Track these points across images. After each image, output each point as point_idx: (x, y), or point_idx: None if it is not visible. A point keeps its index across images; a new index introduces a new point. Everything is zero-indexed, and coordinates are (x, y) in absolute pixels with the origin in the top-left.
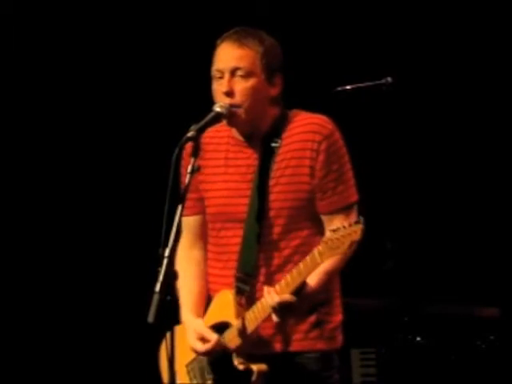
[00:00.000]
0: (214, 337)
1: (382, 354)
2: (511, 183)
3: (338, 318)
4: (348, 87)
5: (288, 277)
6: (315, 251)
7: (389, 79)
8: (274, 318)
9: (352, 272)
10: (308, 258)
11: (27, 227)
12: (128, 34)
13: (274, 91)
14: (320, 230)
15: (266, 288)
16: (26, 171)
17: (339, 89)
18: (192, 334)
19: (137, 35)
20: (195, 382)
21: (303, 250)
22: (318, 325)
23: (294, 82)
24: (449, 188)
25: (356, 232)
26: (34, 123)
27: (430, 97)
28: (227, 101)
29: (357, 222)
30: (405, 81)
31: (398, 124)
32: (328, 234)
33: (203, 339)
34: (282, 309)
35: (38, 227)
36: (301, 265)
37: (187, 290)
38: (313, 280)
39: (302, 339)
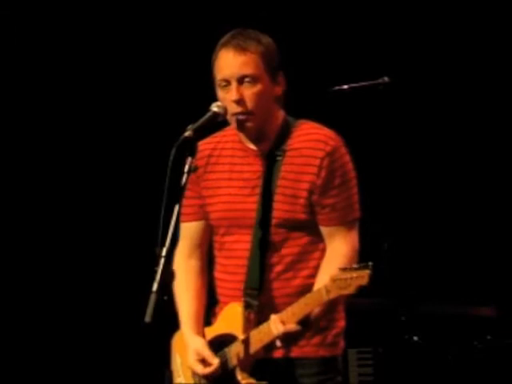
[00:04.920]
0: (215, 361)
1: (379, 354)
2: (507, 183)
3: (341, 323)
4: (345, 87)
5: (295, 306)
6: (323, 288)
7: (385, 79)
8: (278, 343)
9: None
10: (315, 291)
11: (26, 227)
12: (127, 34)
13: (279, 90)
14: (320, 238)
15: (271, 316)
16: (26, 171)
17: (336, 88)
18: (192, 355)
19: (136, 35)
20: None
21: (304, 259)
22: (320, 331)
23: (290, 81)
24: (445, 188)
25: (364, 277)
26: (34, 123)
27: (427, 96)
28: (239, 109)
29: (366, 266)
30: (401, 80)
31: (394, 123)
32: (337, 272)
33: (204, 361)
34: (286, 338)
35: (37, 227)
36: (308, 296)
37: (186, 305)
38: (320, 307)
39: (304, 345)
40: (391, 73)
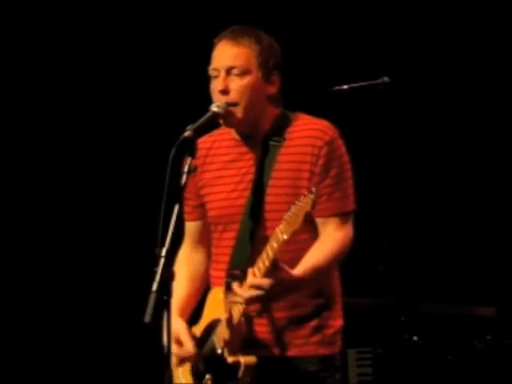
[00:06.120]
0: (190, 344)
1: (379, 354)
2: (508, 183)
3: (338, 322)
4: (345, 87)
5: (258, 262)
6: (277, 230)
7: (385, 78)
8: (252, 308)
9: (348, 271)
10: (271, 238)
11: (26, 228)
12: (127, 34)
13: (272, 89)
14: (317, 234)
15: (235, 283)
16: (26, 171)
17: (336, 88)
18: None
19: (136, 36)
20: (197, 382)
21: (302, 255)
22: (318, 330)
23: (290, 81)
24: (445, 187)
25: (307, 203)
26: (33, 123)
27: (427, 96)
28: (223, 99)
29: (310, 192)
30: (402, 80)
31: (395, 123)
32: (289, 209)
33: (179, 342)
34: (256, 296)
35: (37, 228)
36: (267, 246)
37: (177, 289)
38: (298, 270)
39: (303, 344)
40: (391, 73)
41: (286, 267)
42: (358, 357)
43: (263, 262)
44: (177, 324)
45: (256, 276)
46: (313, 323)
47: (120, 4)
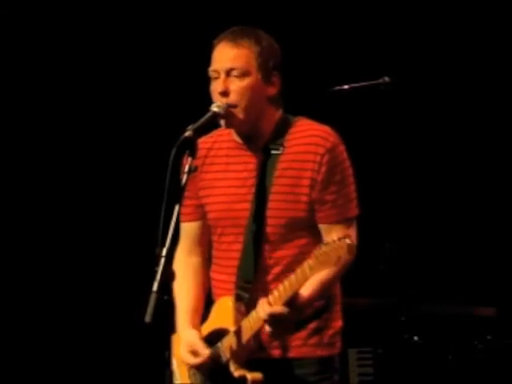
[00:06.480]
0: (205, 352)
1: (379, 354)
2: (508, 183)
3: (337, 324)
4: (345, 87)
5: (280, 288)
6: (306, 265)
7: (386, 78)
8: (267, 328)
9: (349, 272)
10: (299, 270)
11: (26, 228)
12: (127, 34)
13: (272, 90)
14: (320, 240)
15: (259, 300)
16: (26, 172)
17: (336, 88)
18: (184, 347)
19: (136, 36)
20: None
21: (303, 259)
22: (317, 331)
23: (291, 81)
24: (446, 188)
25: (342, 247)
26: (33, 123)
27: (428, 96)
28: (223, 100)
29: (345, 237)
30: (402, 80)
31: (395, 123)
32: (319, 247)
33: (195, 352)
34: (273, 320)
35: (38, 228)
36: (292, 277)
37: (183, 300)
38: (306, 290)
39: (302, 345)
40: (392, 73)
41: (298, 292)
42: (359, 357)
43: (285, 290)
44: (189, 336)
45: (276, 303)
46: (312, 325)
47: (120, 4)
